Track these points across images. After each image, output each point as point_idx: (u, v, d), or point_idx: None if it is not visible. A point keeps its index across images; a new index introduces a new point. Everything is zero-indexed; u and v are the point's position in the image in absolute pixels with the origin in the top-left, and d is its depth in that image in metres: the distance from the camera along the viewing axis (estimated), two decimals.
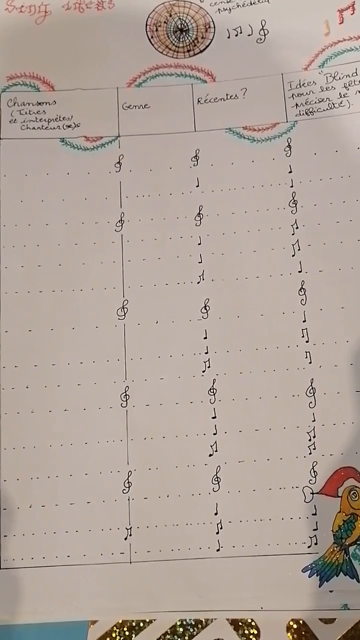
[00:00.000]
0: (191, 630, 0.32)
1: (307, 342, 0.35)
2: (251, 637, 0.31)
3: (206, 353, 0.35)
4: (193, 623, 0.32)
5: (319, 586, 0.31)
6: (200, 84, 0.40)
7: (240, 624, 0.32)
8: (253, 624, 0.32)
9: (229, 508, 0.33)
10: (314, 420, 0.34)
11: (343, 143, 0.38)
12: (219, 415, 0.34)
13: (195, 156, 0.39)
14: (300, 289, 0.36)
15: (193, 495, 0.33)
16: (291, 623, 0.31)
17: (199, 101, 0.40)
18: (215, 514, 0.33)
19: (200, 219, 0.38)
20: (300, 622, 0.31)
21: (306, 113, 0.39)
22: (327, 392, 0.34)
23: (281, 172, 0.38)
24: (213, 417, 0.34)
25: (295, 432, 0.33)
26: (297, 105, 0.39)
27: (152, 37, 0.41)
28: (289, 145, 0.38)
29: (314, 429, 0.33)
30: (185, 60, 0.40)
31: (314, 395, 0.34)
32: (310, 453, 0.33)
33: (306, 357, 0.35)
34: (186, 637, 0.32)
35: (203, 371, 0.35)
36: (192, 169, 0.39)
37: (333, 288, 0.36)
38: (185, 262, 0.37)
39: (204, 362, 0.35)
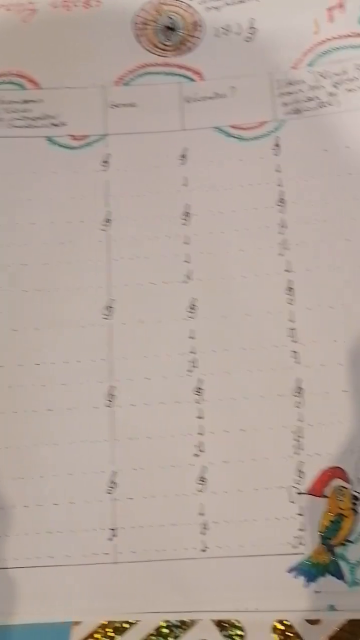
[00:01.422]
0: (176, 631, 0.34)
1: (294, 342, 0.37)
2: (236, 638, 0.33)
3: (192, 353, 0.37)
4: (178, 624, 0.34)
5: (305, 587, 0.33)
6: (189, 82, 0.42)
7: (225, 624, 0.34)
8: (238, 624, 0.33)
9: (214, 508, 0.35)
10: (301, 420, 0.36)
11: (332, 142, 0.40)
12: (205, 416, 0.36)
13: (183, 155, 0.41)
14: (288, 289, 0.38)
15: (178, 496, 0.35)
16: (277, 624, 0.33)
17: (187, 100, 0.42)
18: (201, 514, 0.35)
19: (188, 218, 0.40)
20: (286, 623, 0.33)
21: (295, 112, 0.41)
22: (314, 392, 0.36)
23: (269, 171, 0.40)
24: (199, 417, 0.36)
25: (281, 432, 0.36)
26: (285, 104, 0.42)
27: (140, 35, 0.43)
28: (277, 144, 0.41)
29: (301, 429, 0.35)
30: (174, 59, 0.43)
31: (301, 395, 0.36)
32: (296, 453, 0.35)
33: (293, 357, 0.37)
34: (171, 638, 0.33)
35: (189, 371, 0.37)
36: (180, 167, 0.41)
37: (321, 287, 0.38)
38: (172, 262, 0.39)
39: (190, 362, 0.37)
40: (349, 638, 0.33)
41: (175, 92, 0.42)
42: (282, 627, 0.33)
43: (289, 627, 0.33)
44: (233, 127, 0.42)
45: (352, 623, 0.33)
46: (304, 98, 0.42)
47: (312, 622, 0.33)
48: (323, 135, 0.41)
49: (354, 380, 0.36)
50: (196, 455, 0.36)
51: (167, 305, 0.38)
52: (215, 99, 0.42)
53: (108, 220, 0.40)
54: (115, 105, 0.42)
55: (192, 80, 0.43)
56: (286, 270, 0.38)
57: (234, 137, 0.41)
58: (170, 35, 0.44)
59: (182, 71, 0.43)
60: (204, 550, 0.34)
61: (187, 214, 0.40)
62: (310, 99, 0.41)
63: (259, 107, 0.42)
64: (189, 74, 0.43)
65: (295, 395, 0.36)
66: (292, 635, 0.33)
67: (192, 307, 0.38)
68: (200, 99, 0.42)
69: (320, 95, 0.41)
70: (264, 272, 0.39)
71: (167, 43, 0.44)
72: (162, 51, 0.43)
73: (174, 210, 0.40)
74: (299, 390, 0.36)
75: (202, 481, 0.35)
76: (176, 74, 0.43)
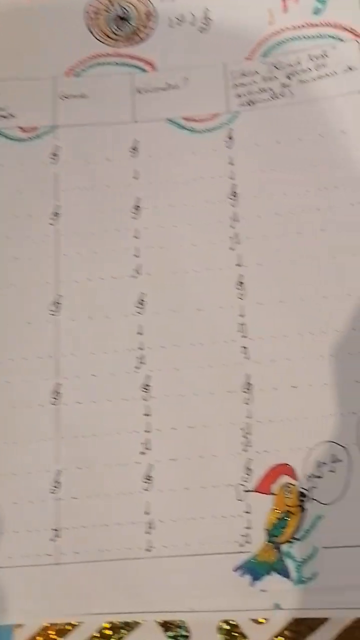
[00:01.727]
0: (120, 632, 0.33)
1: (244, 337, 0.37)
2: (181, 638, 0.33)
3: (141, 349, 0.37)
4: (122, 625, 0.33)
5: (251, 586, 0.33)
6: (141, 73, 0.42)
7: (170, 625, 0.33)
8: (183, 625, 0.33)
9: (160, 507, 0.35)
10: (250, 417, 0.36)
11: (285, 134, 0.40)
12: (152, 413, 0.36)
13: (134, 147, 0.41)
14: (239, 283, 0.38)
15: (124, 495, 0.35)
16: (222, 624, 0.33)
17: (138, 91, 0.42)
18: (146, 513, 0.34)
19: (138, 211, 0.40)
20: (232, 622, 0.33)
21: (248, 103, 0.41)
22: (263, 388, 0.36)
23: (222, 164, 0.40)
24: (146, 415, 0.36)
25: (229, 429, 0.35)
26: (239, 95, 0.41)
27: (91, 25, 0.43)
28: (230, 137, 0.41)
29: (249, 425, 0.35)
30: (126, 49, 0.43)
31: (250, 391, 0.36)
32: (244, 450, 0.35)
33: (243, 353, 0.37)
34: None
35: (137, 367, 0.37)
36: (131, 160, 0.41)
37: (272, 282, 0.38)
38: (122, 256, 0.39)
39: (139, 358, 0.37)
40: (295, 637, 0.33)
41: (127, 83, 0.42)
42: (228, 627, 0.33)
43: (234, 627, 0.33)
44: (185, 119, 0.41)
45: (298, 622, 0.33)
46: (258, 89, 0.41)
47: (258, 621, 0.33)
48: (276, 127, 0.41)
49: (303, 376, 0.36)
50: (143, 453, 0.36)
51: (115, 300, 0.38)
52: (167, 90, 0.42)
53: (56, 214, 0.40)
54: (65, 97, 0.42)
55: (144, 71, 0.42)
56: (237, 265, 0.38)
57: (187, 129, 0.41)
58: (123, 25, 0.43)
59: (134, 62, 0.42)
60: (149, 550, 0.34)
61: (137, 208, 0.40)
62: (263, 91, 0.41)
63: (212, 98, 0.42)
64: (141, 64, 0.42)
65: (245, 392, 0.36)
66: (237, 635, 0.33)
67: (141, 302, 0.38)
68: (152, 90, 0.42)
69: (273, 86, 0.41)
70: (216, 267, 0.38)
71: (120, 33, 0.43)
72: (114, 41, 0.43)
73: (125, 203, 0.40)
74: (248, 387, 0.36)
75: (149, 479, 0.35)
76: (128, 65, 0.43)
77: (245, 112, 0.41)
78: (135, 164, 0.41)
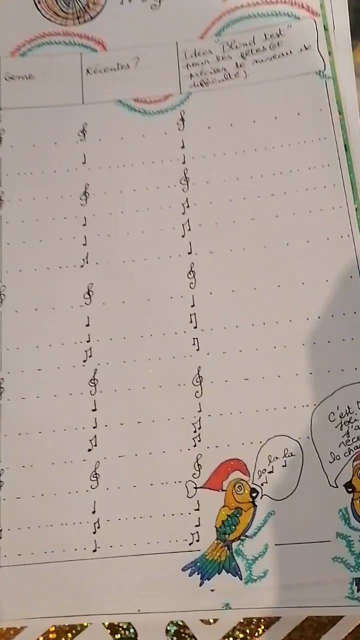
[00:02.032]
0: (66, 636, 0.32)
1: (195, 328, 0.36)
2: None
3: (88, 341, 0.36)
4: (67, 629, 0.32)
5: (200, 585, 0.32)
6: (90, 53, 0.40)
7: (117, 627, 0.32)
8: (131, 627, 0.32)
9: (107, 506, 0.33)
10: (200, 411, 0.34)
11: (238, 116, 0.39)
12: (99, 408, 0.35)
13: (83, 130, 0.39)
14: (190, 272, 0.37)
15: (70, 494, 0.34)
16: (171, 625, 0.32)
17: (88, 71, 0.40)
18: (93, 512, 0.33)
19: (86, 198, 0.38)
20: (180, 623, 0.32)
21: (201, 84, 0.40)
22: (214, 380, 0.35)
23: (173, 147, 0.39)
24: (93, 410, 0.35)
25: (179, 423, 0.34)
26: (191, 75, 0.40)
27: (38, 2, 0.41)
28: (182, 119, 0.39)
29: (199, 419, 0.34)
30: (75, 28, 0.41)
31: (200, 384, 0.35)
32: (195, 445, 0.34)
33: (194, 344, 0.35)
34: None
35: (84, 361, 0.35)
36: (79, 144, 0.39)
37: (224, 270, 0.36)
38: (69, 245, 0.37)
39: (86, 351, 0.36)
40: (245, 637, 0.32)
41: (76, 63, 0.40)
42: (176, 628, 0.32)
43: (183, 628, 0.32)
44: (136, 100, 0.40)
45: (249, 621, 0.32)
46: (211, 70, 0.40)
47: (207, 621, 0.32)
48: (230, 109, 0.39)
49: (255, 368, 0.35)
50: (89, 450, 0.34)
51: (62, 291, 0.37)
52: (118, 71, 0.40)
53: (0, 201, 0.38)
54: (10, 77, 0.40)
55: (93, 50, 0.41)
56: (188, 253, 0.37)
57: (137, 111, 0.40)
58: (72, 3, 0.41)
59: (84, 41, 0.41)
60: (95, 551, 0.33)
61: (85, 194, 0.38)
62: (217, 71, 0.40)
63: (164, 79, 0.40)
64: (90, 43, 0.41)
65: (195, 385, 0.35)
66: (186, 636, 0.32)
67: (89, 293, 0.37)
68: (102, 71, 0.40)
69: (227, 66, 0.40)
70: (166, 255, 0.37)
71: (68, 10, 0.41)
72: (63, 19, 0.41)
73: (72, 189, 0.38)
74: (199, 379, 0.35)
75: (95, 477, 0.34)
76: (77, 44, 0.41)
77: (198, 93, 0.40)
78: (84, 148, 0.39)
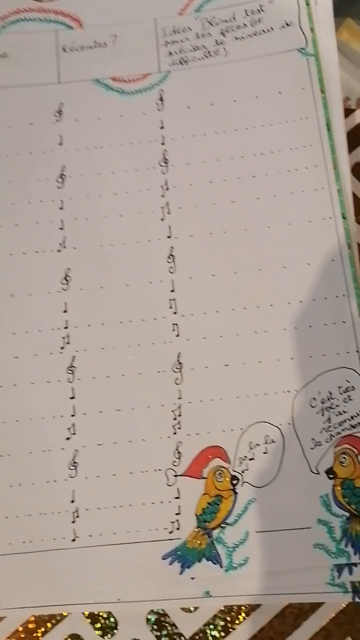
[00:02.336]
0: (45, 626, 0.32)
1: (175, 313, 0.35)
2: (108, 630, 0.32)
3: (65, 328, 0.35)
4: (47, 618, 0.32)
5: (180, 573, 0.32)
6: (66, 30, 0.39)
7: (97, 616, 0.32)
8: (111, 616, 0.32)
9: (86, 495, 0.33)
10: (180, 398, 0.34)
11: (218, 95, 0.38)
12: (77, 395, 0.34)
13: (59, 110, 0.38)
14: (169, 256, 0.36)
15: (48, 483, 0.33)
16: (151, 614, 0.32)
17: (64, 49, 0.39)
18: (72, 501, 0.33)
19: (63, 180, 0.37)
20: (161, 612, 0.32)
21: (180, 62, 0.39)
22: (194, 367, 0.34)
23: (152, 128, 0.38)
24: (71, 398, 0.34)
25: (159, 411, 0.34)
26: (170, 53, 0.39)
27: None
28: (161, 98, 0.38)
29: (179, 407, 0.34)
30: (50, 4, 0.40)
31: (180, 370, 0.34)
32: (175, 433, 0.33)
33: (173, 330, 0.35)
34: (39, 634, 0.32)
35: (62, 348, 0.35)
36: (55, 124, 0.38)
37: (203, 254, 0.36)
38: (45, 229, 0.37)
39: (63, 337, 0.35)
40: (226, 625, 0.32)
41: (52, 41, 0.39)
42: (157, 617, 0.32)
43: (163, 616, 0.32)
44: (114, 79, 0.39)
45: (229, 609, 0.32)
46: (190, 47, 0.39)
47: (188, 609, 0.32)
48: (209, 88, 0.38)
49: (235, 353, 0.34)
50: (68, 438, 0.34)
51: (39, 276, 0.36)
52: (94, 49, 0.39)
53: None
54: None
55: (70, 27, 0.39)
56: (168, 236, 0.36)
57: (115, 90, 0.39)
58: None
59: (59, 17, 0.40)
60: (74, 540, 0.33)
61: (62, 176, 0.37)
62: (196, 48, 0.39)
63: (143, 57, 0.39)
64: (66, 20, 0.40)
65: (175, 371, 0.34)
66: (167, 624, 0.32)
67: (66, 278, 0.36)
68: (79, 49, 0.39)
69: (207, 44, 0.39)
70: (145, 239, 0.36)
71: None
72: None
73: (48, 172, 0.38)
74: (179, 366, 0.34)
75: (74, 466, 0.33)
76: (53, 21, 0.40)
77: (177, 72, 0.39)
78: (60, 129, 0.38)
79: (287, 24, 0.38)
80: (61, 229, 0.37)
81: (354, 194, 0.37)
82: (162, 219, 0.36)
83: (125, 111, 0.38)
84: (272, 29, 0.38)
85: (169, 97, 0.38)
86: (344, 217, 0.35)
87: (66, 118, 0.38)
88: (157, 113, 0.38)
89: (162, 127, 0.38)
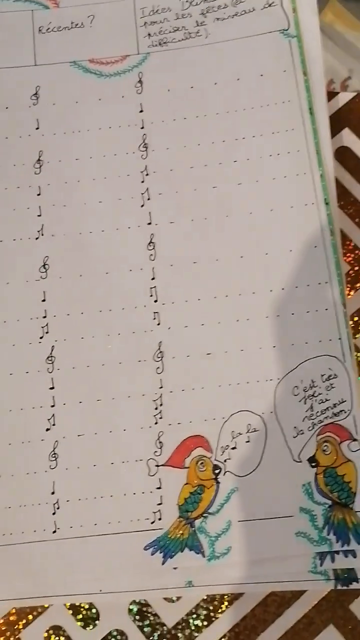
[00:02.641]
0: (26, 618, 0.32)
1: (155, 301, 0.35)
2: (90, 621, 0.32)
3: (44, 317, 0.34)
4: (28, 611, 0.32)
5: (162, 564, 0.32)
6: (42, 10, 0.38)
7: (79, 608, 0.32)
8: (93, 607, 0.32)
9: (66, 486, 0.33)
10: (161, 387, 0.34)
11: (199, 78, 0.37)
12: (57, 386, 0.34)
13: (35, 94, 0.37)
14: (150, 243, 0.35)
15: (28, 474, 0.33)
16: (133, 604, 0.32)
17: (40, 30, 0.38)
18: (52, 493, 0.33)
19: (40, 166, 0.36)
20: (143, 602, 0.32)
21: (159, 44, 0.38)
22: (175, 355, 0.34)
23: (131, 111, 0.37)
24: (51, 388, 0.34)
25: (140, 400, 0.33)
26: (149, 35, 0.38)
27: None
28: (140, 81, 0.37)
29: (160, 396, 0.33)
30: None
31: (161, 359, 0.34)
32: (156, 423, 0.33)
33: (154, 319, 0.34)
34: (20, 626, 0.32)
35: (41, 337, 0.34)
36: (32, 108, 0.37)
37: (185, 241, 0.35)
38: (22, 216, 0.36)
39: (42, 327, 0.34)
40: (209, 614, 0.32)
41: (27, 21, 0.38)
42: (139, 607, 0.32)
43: (146, 607, 0.32)
44: (91, 61, 0.38)
45: (212, 598, 0.32)
46: (170, 28, 0.38)
47: (170, 599, 0.32)
48: (189, 70, 0.37)
49: (217, 342, 0.34)
50: (47, 429, 0.33)
51: (16, 264, 0.35)
52: (71, 30, 0.38)
53: None
54: None
55: (46, 7, 0.38)
56: (148, 223, 0.36)
57: (93, 72, 0.38)
58: None
59: None
60: (55, 532, 0.32)
61: (39, 161, 0.36)
62: (176, 29, 0.38)
63: (121, 38, 0.38)
64: (42, 0, 0.38)
65: (156, 360, 0.34)
66: (149, 614, 0.32)
67: (45, 266, 0.35)
68: (55, 30, 0.38)
69: (187, 24, 0.38)
70: (125, 226, 0.36)
71: None
72: None
73: (25, 157, 0.37)
74: (160, 355, 0.34)
75: (54, 457, 0.33)
76: (28, 0, 0.39)
77: (157, 54, 0.38)
78: (37, 113, 0.37)
79: (269, 5, 0.37)
80: (39, 215, 0.36)
81: (336, 179, 0.36)
82: (142, 205, 0.36)
83: (104, 94, 0.37)
84: (253, 9, 0.37)
85: (149, 80, 0.37)
86: (326, 203, 0.35)
87: (43, 101, 0.37)
88: (136, 96, 0.37)
89: (141, 111, 0.37)
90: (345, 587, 0.31)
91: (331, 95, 0.38)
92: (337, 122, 0.38)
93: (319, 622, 0.32)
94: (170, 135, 0.37)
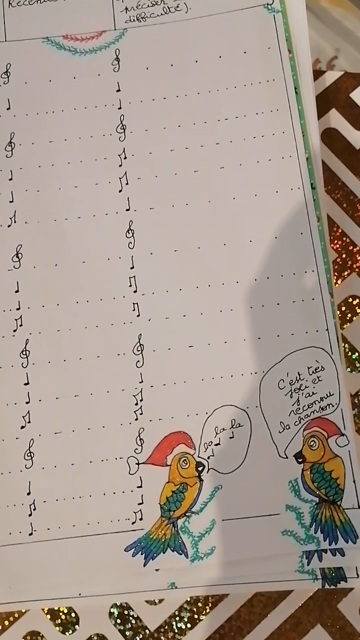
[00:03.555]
0: (2, 624, 0.31)
1: (135, 292, 0.33)
2: (69, 626, 0.31)
3: (18, 309, 0.33)
4: (4, 616, 0.31)
5: (144, 565, 0.31)
6: None
7: (57, 612, 0.31)
8: (72, 611, 0.31)
9: (43, 486, 0.31)
10: (141, 382, 0.32)
11: (179, 56, 0.36)
12: (32, 381, 0.32)
13: (6, 72, 0.36)
14: (128, 230, 0.34)
15: (2, 474, 0.31)
16: (114, 608, 0.31)
17: (10, 4, 0.36)
18: (28, 493, 0.31)
19: (12, 148, 0.35)
20: (124, 605, 0.31)
21: (137, 19, 0.36)
22: (156, 348, 0.32)
23: (108, 90, 0.35)
24: (25, 384, 0.32)
25: (120, 396, 0.32)
26: (126, 9, 0.36)
27: None
28: (117, 58, 0.35)
29: (141, 391, 0.32)
30: None
31: (141, 352, 0.32)
32: (136, 419, 0.32)
33: (134, 310, 0.33)
34: None
35: (14, 330, 0.33)
36: (2, 87, 0.36)
37: (165, 228, 0.34)
38: None
39: (16, 319, 0.33)
40: (192, 616, 0.31)
41: None
42: (120, 610, 0.31)
43: (127, 610, 0.31)
44: (65, 37, 0.36)
45: (196, 600, 0.31)
46: (148, 2, 0.36)
47: (153, 602, 0.31)
48: (169, 47, 0.36)
49: (200, 334, 0.32)
50: (22, 427, 0.32)
51: None
52: (44, 3, 0.36)
53: None
54: None
55: None
56: (126, 209, 0.34)
57: (67, 49, 0.36)
58: None
59: None
60: (31, 534, 0.31)
61: (11, 144, 0.35)
62: (155, 3, 0.36)
63: (97, 13, 0.36)
64: None
65: (136, 353, 0.32)
66: (130, 617, 0.31)
67: (18, 256, 0.33)
68: (27, 3, 0.36)
69: None
70: (102, 212, 0.34)
71: None
72: None
73: None
74: (140, 347, 0.32)
75: (30, 456, 0.31)
76: None
77: (134, 30, 0.36)
78: (8, 92, 0.35)
79: None
80: (11, 202, 0.34)
81: (324, 163, 0.35)
82: (120, 191, 0.34)
83: (79, 72, 0.35)
84: None
85: (126, 57, 0.36)
86: (313, 188, 0.33)
87: (14, 80, 0.35)
88: (113, 74, 0.35)
89: (118, 90, 0.35)
90: (333, 587, 0.30)
91: (317, 74, 0.37)
92: (324, 102, 0.36)
93: (306, 622, 0.31)
94: (149, 116, 0.35)
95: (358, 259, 0.35)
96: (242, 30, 0.35)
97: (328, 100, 0.36)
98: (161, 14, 0.36)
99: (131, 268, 0.33)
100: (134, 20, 0.36)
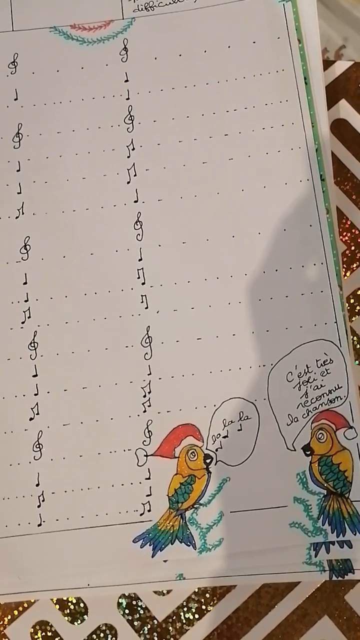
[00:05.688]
0: (12, 613, 0.31)
1: (143, 284, 0.33)
2: (78, 616, 0.31)
3: (26, 301, 0.33)
4: (14, 606, 0.31)
5: (152, 556, 0.31)
6: None
7: (66, 602, 0.31)
8: (80, 602, 0.31)
9: (52, 477, 0.31)
10: (150, 374, 0.32)
11: (187, 46, 0.35)
12: (40, 373, 0.32)
13: (14, 62, 0.35)
14: (136, 222, 0.33)
15: (11, 466, 0.31)
16: (122, 598, 0.31)
17: None
18: (37, 485, 0.31)
19: (20, 139, 0.34)
20: (133, 595, 0.31)
21: (145, 8, 0.36)
22: (164, 341, 0.32)
23: (116, 81, 0.35)
24: (34, 376, 0.32)
25: (128, 388, 0.32)
26: None
27: None
28: (125, 48, 0.35)
29: (149, 383, 0.32)
30: None
31: (150, 345, 0.32)
32: (144, 411, 0.32)
33: (142, 302, 0.33)
34: (6, 622, 0.31)
35: (22, 322, 0.33)
36: (10, 77, 0.35)
37: (173, 220, 0.34)
38: (2, 193, 0.34)
39: (24, 311, 0.33)
40: (200, 607, 0.31)
41: None
42: (128, 601, 0.31)
43: (135, 600, 0.31)
44: (73, 27, 0.35)
45: (203, 591, 0.31)
46: None
47: (161, 593, 0.31)
48: (177, 37, 0.35)
49: (208, 326, 0.32)
50: (31, 418, 0.32)
51: None
52: None
53: None
54: None
55: None
56: (135, 201, 0.34)
57: (75, 39, 0.35)
58: None
59: None
60: (40, 525, 0.31)
61: (18, 135, 0.34)
62: None
63: (105, 2, 0.36)
64: None
65: (144, 345, 0.32)
66: (138, 608, 0.31)
67: (26, 247, 0.33)
68: None
69: None
70: (110, 204, 0.34)
71: None
72: None
73: (3, 130, 0.35)
74: (148, 340, 0.32)
75: (38, 447, 0.32)
76: None
77: (142, 19, 0.35)
78: (15, 82, 0.35)
79: None
80: (19, 193, 0.34)
81: (333, 154, 0.34)
82: (128, 182, 0.34)
83: (86, 62, 0.35)
84: None
85: (134, 47, 0.35)
86: (322, 179, 0.33)
87: (22, 70, 0.35)
88: (121, 64, 0.35)
89: (126, 80, 0.35)
90: (340, 579, 0.30)
91: (326, 64, 0.36)
92: (334, 93, 0.36)
93: (314, 613, 0.31)
94: (158, 106, 0.35)
95: None
96: (251, 20, 0.35)
97: (338, 90, 0.36)
98: (169, 3, 0.35)
99: (139, 260, 0.33)
100: (142, 9, 0.35)
